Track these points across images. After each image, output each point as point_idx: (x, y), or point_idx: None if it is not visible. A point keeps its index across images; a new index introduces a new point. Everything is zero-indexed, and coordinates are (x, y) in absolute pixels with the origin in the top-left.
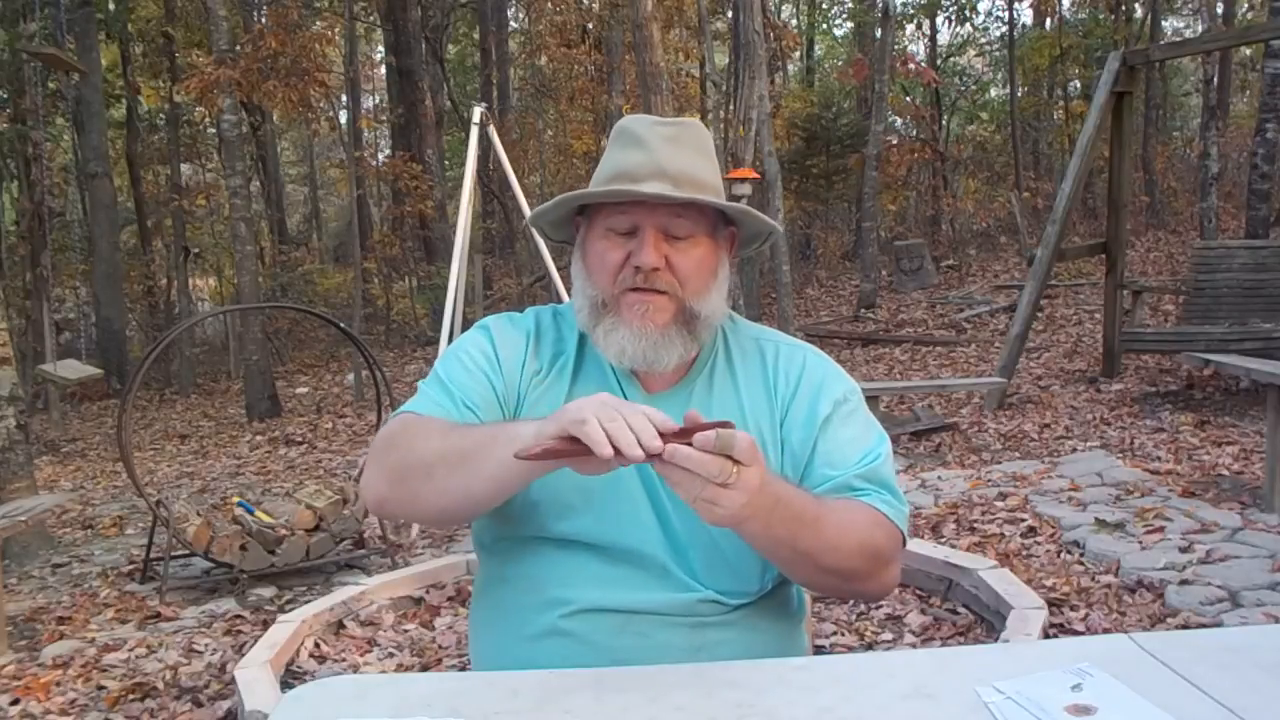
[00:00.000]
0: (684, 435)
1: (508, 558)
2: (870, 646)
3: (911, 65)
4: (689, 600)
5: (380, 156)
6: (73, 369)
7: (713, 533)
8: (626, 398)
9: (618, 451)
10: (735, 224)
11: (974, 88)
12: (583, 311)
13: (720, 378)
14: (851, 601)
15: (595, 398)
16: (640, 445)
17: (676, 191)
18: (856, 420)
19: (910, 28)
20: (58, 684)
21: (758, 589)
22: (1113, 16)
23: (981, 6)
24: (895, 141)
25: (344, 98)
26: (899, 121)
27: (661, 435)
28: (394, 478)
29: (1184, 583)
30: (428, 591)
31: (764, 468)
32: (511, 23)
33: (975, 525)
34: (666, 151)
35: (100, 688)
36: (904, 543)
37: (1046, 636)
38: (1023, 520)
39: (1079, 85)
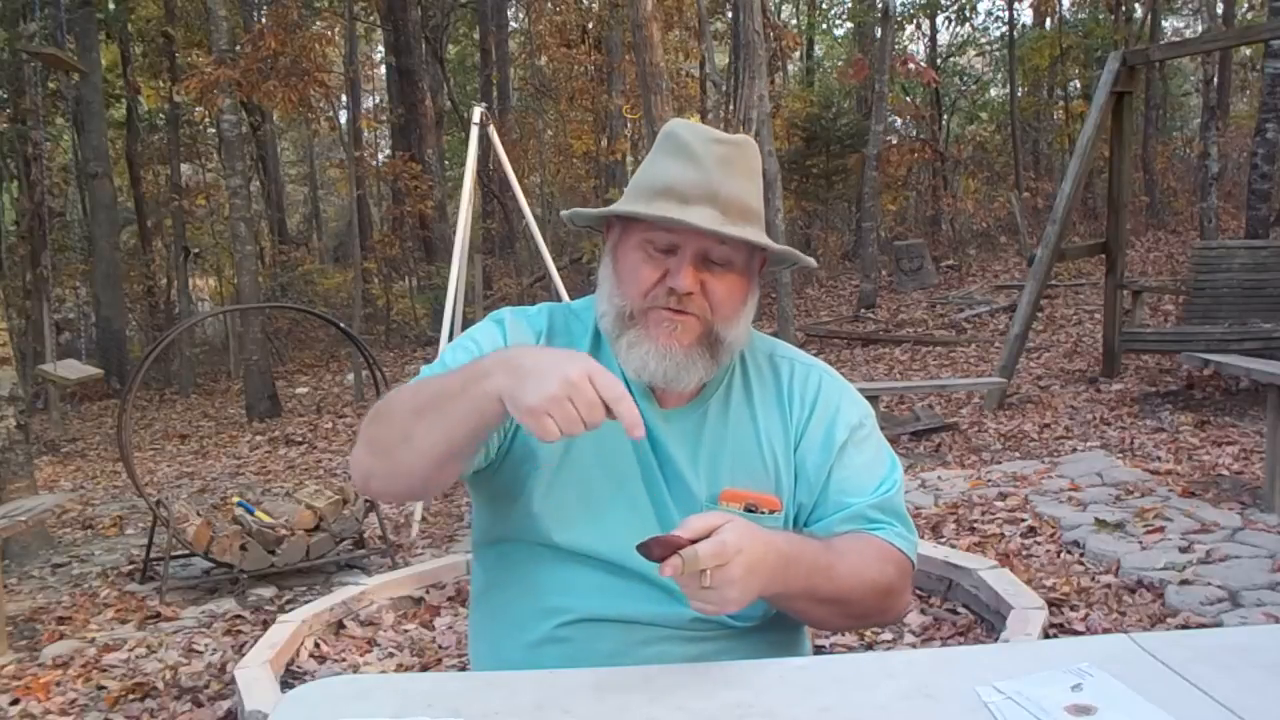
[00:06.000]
0: (662, 548)
1: (507, 563)
2: (870, 646)
3: (911, 65)
4: (690, 615)
5: (380, 156)
6: (73, 369)
7: None
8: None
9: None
10: (765, 249)
11: (974, 88)
12: (607, 318)
13: (736, 396)
14: None
15: (559, 374)
16: (584, 423)
17: (725, 220)
18: (871, 445)
19: (910, 28)
20: (58, 684)
21: (762, 612)
22: (1113, 16)
23: (981, 6)
24: (895, 141)
25: (344, 98)
26: (899, 121)
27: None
28: (376, 448)
29: (1184, 583)
30: (428, 591)
31: (755, 545)
32: (511, 23)
33: (975, 525)
34: (719, 174)
35: (100, 688)
36: (913, 570)
37: (1046, 636)
38: (1023, 520)
39: (1079, 85)
